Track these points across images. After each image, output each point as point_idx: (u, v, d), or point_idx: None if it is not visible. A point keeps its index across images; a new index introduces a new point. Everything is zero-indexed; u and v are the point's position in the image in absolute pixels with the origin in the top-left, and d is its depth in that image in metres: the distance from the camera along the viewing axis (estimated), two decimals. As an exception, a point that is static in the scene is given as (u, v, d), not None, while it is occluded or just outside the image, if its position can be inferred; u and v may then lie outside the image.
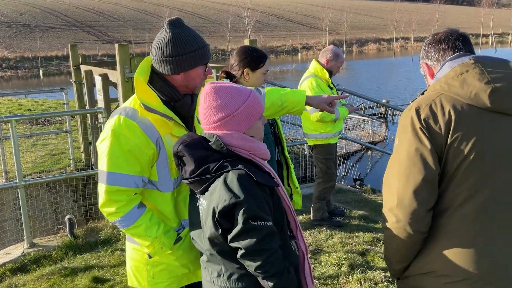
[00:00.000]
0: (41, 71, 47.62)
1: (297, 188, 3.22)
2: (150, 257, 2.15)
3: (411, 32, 77.56)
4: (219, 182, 1.73)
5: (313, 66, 4.87)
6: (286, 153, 3.19)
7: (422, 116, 1.63)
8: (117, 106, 7.73)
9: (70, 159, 7.85)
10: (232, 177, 1.70)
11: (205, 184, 1.78)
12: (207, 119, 1.82)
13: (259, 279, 1.75)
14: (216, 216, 1.70)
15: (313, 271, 4.07)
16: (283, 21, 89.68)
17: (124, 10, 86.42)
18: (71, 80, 7.94)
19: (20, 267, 4.63)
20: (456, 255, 1.63)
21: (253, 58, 2.94)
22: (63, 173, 7.04)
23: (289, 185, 3.22)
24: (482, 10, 79.03)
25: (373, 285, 3.81)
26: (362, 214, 5.75)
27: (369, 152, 12.16)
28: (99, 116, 5.35)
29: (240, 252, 1.71)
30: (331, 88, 4.88)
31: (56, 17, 73.97)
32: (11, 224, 6.64)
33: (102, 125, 5.27)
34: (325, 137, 4.92)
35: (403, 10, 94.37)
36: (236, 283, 1.79)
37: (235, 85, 1.87)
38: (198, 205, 1.88)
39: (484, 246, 1.61)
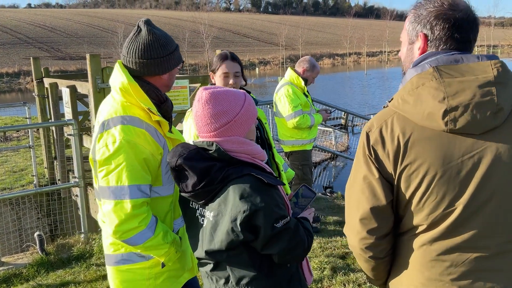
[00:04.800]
0: (-10, 88, 45.73)
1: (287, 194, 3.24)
2: (163, 265, 2.09)
3: (363, 47, 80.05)
4: (230, 192, 1.68)
5: (289, 74, 4.97)
6: (277, 159, 3.16)
7: (371, 142, 1.49)
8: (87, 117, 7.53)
9: (33, 175, 7.55)
10: (244, 185, 1.66)
11: (210, 195, 1.73)
12: (207, 127, 1.75)
13: None
14: (237, 227, 1.64)
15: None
16: (239, 37, 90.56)
17: (77, 26, 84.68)
18: (34, 94, 7.66)
19: (-11, 287, 4.40)
20: (410, 281, 1.54)
21: (213, 61, 2.92)
22: (34, 188, 6.76)
23: None
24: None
25: (357, 286, 3.87)
26: (336, 220, 5.84)
27: (333, 162, 12.40)
28: (70, 128, 5.19)
29: (276, 257, 1.73)
30: (306, 96, 4.98)
31: (6, 33, 71.49)
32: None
33: (74, 137, 5.12)
34: (301, 143, 4.99)
35: (356, 26, 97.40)
36: (246, 287, 1.75)
37: (227, 88, 1.85)
38: (197, 216, 1.83)
39: (440, 279, 1.47)
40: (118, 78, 2.01)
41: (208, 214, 1.76)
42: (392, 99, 1.55)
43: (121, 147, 1.91)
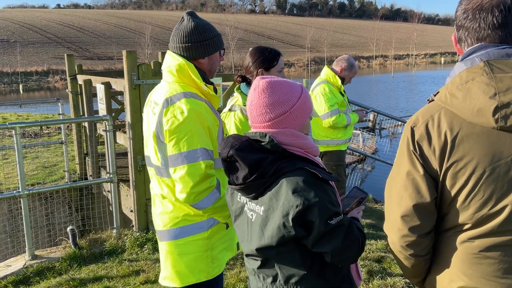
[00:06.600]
0: (20, 86, 46.89)
1: None
2: (227, 227, 2.27)
3: (390, 50, 79.16)
4: (283, 186, 1.62)
5: (325, 72, 4.88)
6: None
7: (416, 137, 1.45)
8: (120, 113, 7.63)
9: (65, 171, 7.65)
10: (297, 179, 1.60)
11: (261, 188, 1.67)
12: (261, 117, 1.70)
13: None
14: (289, 223, 1.59)
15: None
16: (264, 39, 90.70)
17: (104, 27, 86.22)
18: (67, 91, 7.77)
19: (23, 279, 4.43)
20: (452, 279, 1.48)
21: (266, 57, 2.87)
22: (68, 183, 6.85)
23: None
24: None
25: (394, 291, 3.76)
26: (369, 223, 5.73)
27: (361, 165, 12.26)
28: (104, 124, 5.22)
29: (329, 256, 1.65)
30: (343, 95, 4.89)
31: (36, 33, 73.27)
32: (4, 237, 6.41)
33: (108, 133, 5.14)
34: (336, 143, 4.90)
35: (382, 28, 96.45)
36: (295, 286, 1.69)
37: (284, 79, 1.79)
38: (245, 210, 1.77)
39: (484, 277, 1.41)
40: (174, 61, 2.22)
41: (258, 208, 1.70)
42: (437, 92, 1.50)
43: (189, 116, 2.09)
